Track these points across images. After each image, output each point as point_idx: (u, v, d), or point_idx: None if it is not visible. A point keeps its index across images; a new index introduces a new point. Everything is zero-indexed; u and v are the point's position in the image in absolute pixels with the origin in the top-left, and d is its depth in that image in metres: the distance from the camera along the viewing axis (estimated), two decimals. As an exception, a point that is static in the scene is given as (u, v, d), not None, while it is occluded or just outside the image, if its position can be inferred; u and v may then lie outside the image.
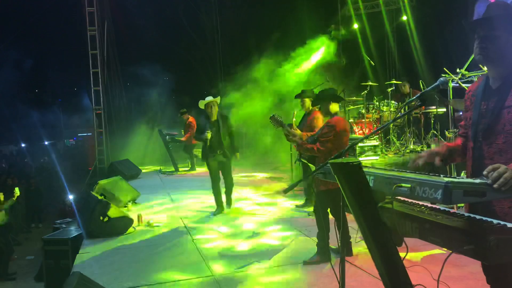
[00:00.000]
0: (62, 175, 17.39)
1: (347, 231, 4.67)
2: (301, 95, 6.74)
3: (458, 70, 6.61)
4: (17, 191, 9.01)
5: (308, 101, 6.71)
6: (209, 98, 7.38)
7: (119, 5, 17.76)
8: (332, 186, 4.66)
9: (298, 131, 5.55)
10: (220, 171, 7.51)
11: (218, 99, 7.51)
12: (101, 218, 6.45)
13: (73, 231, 7.11)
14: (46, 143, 31.93)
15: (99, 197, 6.86)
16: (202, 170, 12.09)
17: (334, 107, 4.90)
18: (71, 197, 12.93)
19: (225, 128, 7.37)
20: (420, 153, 2.33)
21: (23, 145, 31.27)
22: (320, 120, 6.70)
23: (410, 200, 2.10)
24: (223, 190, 7.65)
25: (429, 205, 2.03)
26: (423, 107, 8.73)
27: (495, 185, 1.72)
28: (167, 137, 13.47)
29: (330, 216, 4.93)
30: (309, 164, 5.02)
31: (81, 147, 34.35)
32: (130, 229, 6.72)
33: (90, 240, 6.35)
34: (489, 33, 2.08)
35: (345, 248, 4.77)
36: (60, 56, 34.81)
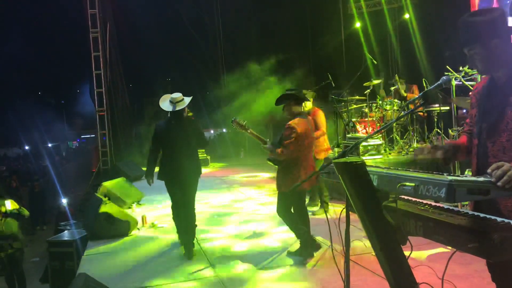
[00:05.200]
0: (62, 178, 17.46)
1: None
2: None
3: (461, 68, 6.59)
4: (15, 204, 8.89)
5: (308, 102, 6.62)
6: (177, 96, 5.44)
7: (121, 6, 17.79)
8: (285, 189, 4.66)
9: None
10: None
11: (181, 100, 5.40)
12: (106, 219, 6.47)
13: (78, 232, 7.14)
14: (49, 145, 32.05)
15: (103, 199, 6.89)
16: (205, 171, 12.12)
17: (297, 108, 4.79)
18: (64, 201, 12.96)
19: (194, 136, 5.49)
20: (422, 147, 2.33)
21: (26, 147, 31.39)
22: (322, 117, 6.68)
23: (414, 199, 2.10)
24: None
25: (433, 203, 2.03)
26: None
27: (499, 183, 1.72)
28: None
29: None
30: (273, 164, 4.89)
31: (84, 148, 34.47)
32: (135, 230, 6.74)
33: (94, 241, 6.37)
34: (470, 52, 2.17)
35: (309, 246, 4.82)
36: (62, 58, 34.95)
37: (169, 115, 5.43)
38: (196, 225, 5.59)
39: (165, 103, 5.42)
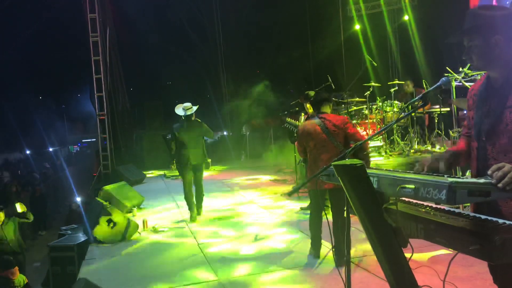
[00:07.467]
0: (63, 182, 17.43)
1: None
2: (307, 99, 6.55)
3: (461, 69, 6.58)
4: (21, 207, 8.86)
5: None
6: (188, 104, 7.38)
7: (121, 11, 17.83)
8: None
9: None
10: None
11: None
12: (106, 223, 6.46)
13: (79, 237, 7.12)
14: (50, 149, 32.06)
15: (104, 203, 6.88)
16: (206, 174, 12.06)
17: (309, 109, 5.31)
18: (78, 199, 12.95)
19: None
20: (422, 161, 2.30)
21: (28, 152, 31.39)
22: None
23: (414, 201, 2.09)
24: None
25: (434, 205, 2.02)
26: (429, 104, 8.75)
27: (499, 185, 1.70)
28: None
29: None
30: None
31: (85, 153, 34.48)
32: (135, 234, 6.73)
33: (95, 246, 6.37)
34: (469, 43, 2.13)
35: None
36: (63, 63, 34.98)
37: (182, 118, 7.31)
38: (203, 195, 7.59)
39: (179, 110, 7.34)
